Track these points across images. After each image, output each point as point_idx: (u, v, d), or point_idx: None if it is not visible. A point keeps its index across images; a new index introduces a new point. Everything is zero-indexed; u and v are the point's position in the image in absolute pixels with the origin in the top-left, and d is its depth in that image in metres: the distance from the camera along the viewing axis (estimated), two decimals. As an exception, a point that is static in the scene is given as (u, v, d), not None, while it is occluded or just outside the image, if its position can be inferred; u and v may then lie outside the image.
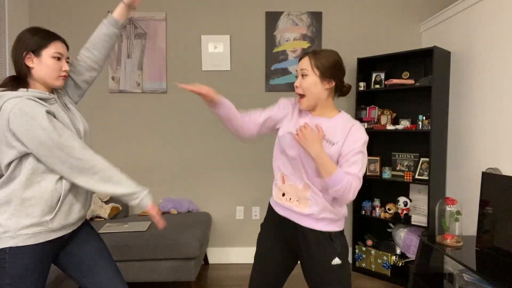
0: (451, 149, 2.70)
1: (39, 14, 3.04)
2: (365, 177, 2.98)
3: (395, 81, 2.76)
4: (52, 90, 1.35)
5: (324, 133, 1.32)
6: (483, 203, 2.04)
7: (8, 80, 1.25)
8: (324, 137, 1.32)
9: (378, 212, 2.90)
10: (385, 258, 2.81)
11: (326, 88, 1.35)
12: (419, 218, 2.66)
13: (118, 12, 1.47)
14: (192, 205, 3.07)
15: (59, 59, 1.29)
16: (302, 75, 1.35)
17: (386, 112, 2.96)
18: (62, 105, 1.34)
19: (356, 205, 3.02)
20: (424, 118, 2.68)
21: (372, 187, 3.17)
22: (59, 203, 1.26)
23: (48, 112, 1.21)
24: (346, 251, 1.38)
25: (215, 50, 3.09)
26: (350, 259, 3.03)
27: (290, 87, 3.11)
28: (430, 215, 2.56)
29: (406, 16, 3.12)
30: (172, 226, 2.54)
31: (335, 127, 1.34)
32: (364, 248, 2.94)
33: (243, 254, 3.16)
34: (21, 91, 1.20)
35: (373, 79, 2.98)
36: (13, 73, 1.30)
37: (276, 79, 3.12)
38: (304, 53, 1.39)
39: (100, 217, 2.81)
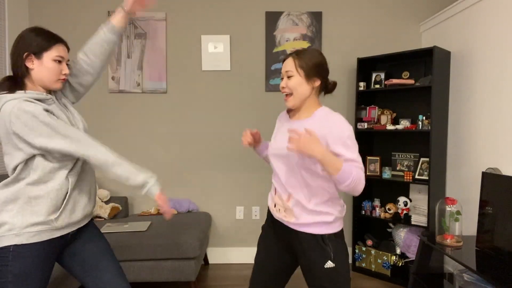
0: (451, 149, 2.70)
1: (39, 14, 3.04)
2: (365, 177, 2.98)
3: (395, 81, 2.76)
4: (50, 91, 1.34)
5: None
6: (483, 203, 2.04)
7: (4, 80, 1.25)
8: None
9: (378, 212, 2.90)
10: (385, 258, 2.81)
11: (312, 87, 1.37)
12: (419, 218, 2.66)
13: (118, 19, 1.45)
14: (192, 205, 3.07)
15: (60, 62, 1.29)
16: (288, 76, 1.36)
17: (386, 112, 2.96)
18: (60, 105, 1.34)
19: (356, 205, 3.02)
20: (424, 118, 2.68)
21: (372, 187, 3.17)
22: (65, 201, 1.26)
23: (46, 110, 1.21)
24: (342, 254, 1.36)
25: (215, 50, 3.09)
26: (350, 259, 3.03)
27: (290, 87, 3.10)
28: (430, 215, 2.56)
29: (406, 16, 3.12)
30: (172, 226, 2.54)
31: (314, 124, 1.35)
32: (364, 248, 2.94)
33: (243, 254, 3.16)
34: (19, 93, 1.20)
35: (373, 79, 2.98)
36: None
37: (276, 79, 3.11)
38: (288, 54, 1.40)
39: (100, 217, 2.81)
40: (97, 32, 1.45)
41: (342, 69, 3.14)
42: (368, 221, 3.15)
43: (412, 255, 2.73)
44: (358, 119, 2.98)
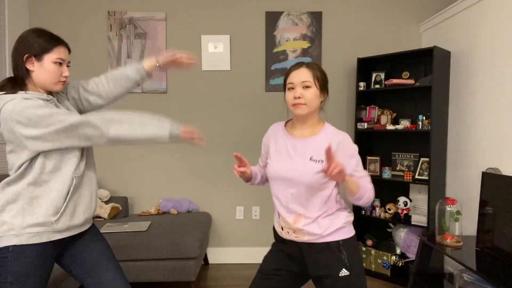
0: (451, 149, 2.70)
1: (39, 14, 3.04)
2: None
3: (395, 81, 2.76)
4: (51, 92, 1.34)
5: (310, 154, 1.32)
6: (483, 203, 2.04)
7: (6, 82, 1.25)
8: (312, 158, 1.30)
9: (378, 212, 2.90)
10: (385, 258, 2.81)
11: (321, 100, 1.35)
12: (419, 218, 2.66)
13: (149, 65, 1.46)
14: (192, 205, 3.07)
15: (60, 64, 1.28)
16: (304, 87, 1.30)
17: (386, 112, 2.96)
18: (62, 108, 1.34)
19: (356, 205, 3.01)
20: (424, 118, 2.68)
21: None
22: (65, 203, 1.26)
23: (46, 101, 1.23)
24: (357, 260, 1.33)
25: (215, 50, 3.09)
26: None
27: (290, 87, 3.11)
28: (430, 215, 2.56)
29: (406, 16, 3.12)
30: (172, 226, 2.54)
31: (321, 143, 1.32)
32: (364, 248, 2.94)
33: (243, 254, 3.16)
34: (19, 94, 1.21)
35: (373, 79, 2.98)
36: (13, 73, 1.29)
37: (276, 79, 3.11)
38: (298, 64, 1.34)
39: (100, 217, 2.81)
40: (126, 67, 1.46)
41: (342, 69, 3.14)
42: (368, 221, 3.15)
43: (412, 255, 2.73)
44: (358, 119, 2.98)
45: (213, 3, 3.10)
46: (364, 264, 2.93)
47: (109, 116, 1.25)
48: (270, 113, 3.14)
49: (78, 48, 3.07)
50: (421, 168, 2.79)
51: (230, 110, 3.13)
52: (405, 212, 2.82)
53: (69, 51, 1.34)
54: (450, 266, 2.66)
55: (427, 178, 2.69)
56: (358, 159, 1.34)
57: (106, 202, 2.90)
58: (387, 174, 2.91)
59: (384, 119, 2.94)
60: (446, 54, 2.68)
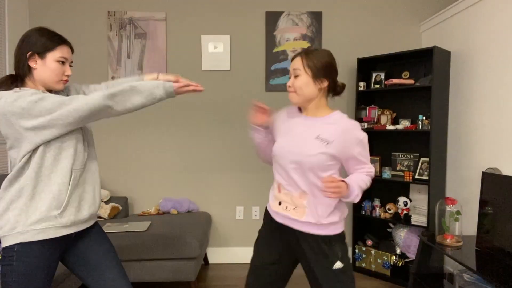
0: (451, 149, 2.70)
1: (39, 14, 3.04)
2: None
3: (395, 81, 2.76)
4: (50, 91, 1.34)
5: (318, 133, 1.34)
6: (483, 203, 2.05)
7: (5, 79, 1.25)
8: (318, 136, 1.32)
9: (378, 212, 2.90)
10: (385, 258, 2.81)
11: (319, 88, 1.35)
12: (419, 218, 2.66)
13: (149, 78, 1.49)
14: (192, 205, 3.07)
15: (63, 63, 1.29)
16: (295, 75, 1.35)
17: (386, 112, 2.96)
18: None
19: (356, 205, 3.02)
20: (424, 118, 2.68)
21: (372, 187, 3.16)
22: (67, 197, 1.27)
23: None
24: (346, 252, 1.38)
25: (215, 50, 3.09)
26: (350, 260, 3.03)
27: (290, 87, 3.11)
28: (430, 215, 2.56)
29: (406, 16, 3.12)
30: (172, 226, 2.54)
31: (329, 125, 1.34)
32: (364, 248, 2.94)
33: (243, 254, 3.16)
34: (15, 90, 1.21)
35: (373, 79, 2.98)
36: (13, 72, 1.29)
37: (276, 79, 3.12)
38: (297, 53, 1.39)
39: (100, 217, 2.81)
40: (128, 79, 1.49)
41: (342, 69, 3.14)
42: (368, 221, 3.15)
43: (412, 255, 2.73)
44: (358, 119, 2.98)
45: (213, 3, 3.10)
46: (364, 264, 2.93)
47: (109, 92, 1.24)
48: (270, 113, 3.13)
49: (78, 48, 3.07)
50: (421, 168, 2.79)
51: (230, 110, 3.13)
52: (405, 212, 2.82)
53: (72, 51, 1.34)
54: (450, 266, 2.66)
55: (427, 178, 2.69)
56: (363, 147, 1.34)
57: (106, 202, 2.90)
58: (387, 174, 2.91)
59: (384, 119, 2.94)
60: (446, 54, 2.68)
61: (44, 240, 1.23)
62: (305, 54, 1.35)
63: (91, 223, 1.42)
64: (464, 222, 2.51)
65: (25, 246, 1.20)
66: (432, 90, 2.54)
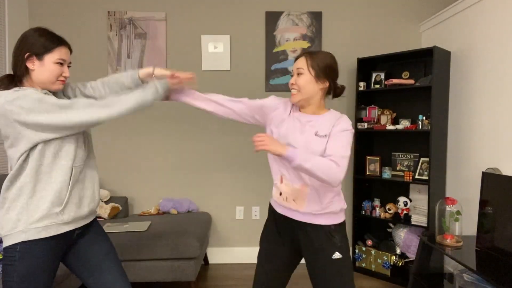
0: (451, 149, 2.70)
1: (39, 14, 3.04)
2: (365, 177, 2.98)
3: (395, 81, 2.76)
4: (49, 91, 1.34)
5: (315, 130, 1.39)
6: (483, 203, 2.04)
7: (3, 78, 1.25)
8: (316, 133, 1.38)
9: (378, 212, 2.90)
10: (385, 258, 2.81)
11: (320, 88, 1.41)
12: (419, 218, 2.66)
13: (144, 74, 1.49)
14: (192, 205, 3.07)
15: (61, 64, 1.29)
16: (298, 74, 1.41)
17: (386, 112, 2.96)
18: None
19: (356, 205, 3.02)
20: (424, 118, 2.68)
21: (372, 187, 3.17)
22: (68, 193, 1.27)
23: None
24: (346, 244, 1.42)
25: (215, 50, 3.09)
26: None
27: (290, 87, 3.11)
28: (430, 215, 2.56)
29: (406, 16, 3.12)
30: (172, 226, 2.54)
31: (325, 121, 1.41)
32: (364, 248, 2.94)
33: (243, 254, 3.16)
34: (13, 90, 1.21)
35: (373, 79, 2.98)
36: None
37: (276, 79, 3.11)
38: (301, 53, 1.46)
39: (100, 217, 2.81)
40: (122, 75, 1.49)
41: (342, 69, 3.12)
42: (368, 221, 3.15)
43: (412, 255, 2.73)
44: (358, 119, 2.98)
45: (213, 3, 3.10)
46: (364, 264, 2.93)
47: (103, 102, 1.26)
48: (270, 113, 3.13)
49: (78, 48, 3.06)
50: (421, 168, 2.79)
51: (230, 110, 3.13)
52: (405, 212, 2.82)
53: (71, 51, 1.34)
54: (450, 266, 2.66)
55: (427, 178, 2.69)
56: (344, 139, 1.34)
57: (106, 202, 2.90)
58: (387, 174, 2.91)
59: (384, 119, 2.94)
60: (446, 54, 2.67)
61: (46, 239, 1.23)
62: (309, 54, 1.42)
63: (91, 219, 1.43)
64: (464, 222, 2.51)
65: (27, 244, 1.20)
66: (432, 90, 2.54)
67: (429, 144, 2.59)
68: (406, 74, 2.91)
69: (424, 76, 2.83)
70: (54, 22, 3.05)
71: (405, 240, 2.76)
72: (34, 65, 1.24)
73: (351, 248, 3.05)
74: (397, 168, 2.95)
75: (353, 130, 1.38)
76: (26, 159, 1.23)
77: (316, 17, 3.09)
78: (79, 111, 1.21)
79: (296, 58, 1.45)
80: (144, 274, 2.32)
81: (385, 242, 2.94)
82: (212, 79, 3.12)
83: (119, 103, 1.27)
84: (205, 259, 3.14)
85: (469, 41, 2.51)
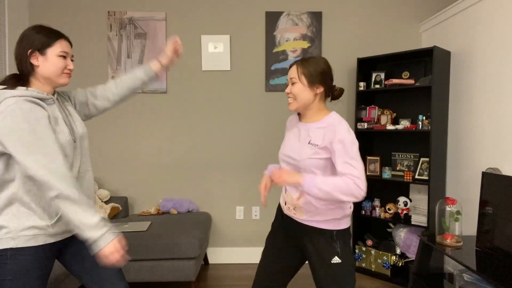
0: (451, 149, 2.70)
1: (39, 14, 3.04)
2: (365, 177, 2.97)
3: (395, 81, 2.76)
4: (54, 91, 1.34)
5: (310, 138, 1.42)
6: (483, 203, 2.04)
7: (9, 78, 1.25)
8: (310, 141, 1.41)
9: (378, 212, 2.90)
10: (385, 258, 2.81)
11: (315, 93, 1.43)
12: (419, 218, 2.66)
13: (156, 67, 1.54)
14: (192, 205, 3.07)
15: (64, 57, 1.29)
16: (292, 83, 1.45)
17: (386, 112, 2.96)
18: (60, 107, 1.34)
19: (356, 205, 3.02)
20: (424, 118, 2.68)
21: (372, 187, 3.16)
22: (58, 215, 1.26)
23: (48, 116, 1.21)
24: (348, 250, 1.44)
25: (215, 50, 3.09)
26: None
27: (290, 87, 3.11)
28: (430, 215, 2.56)
29: (406, 16, 3.12)
30: (172, 226, 2.54)
31: (320, 129, 1.42)
32: (364, 248, 2.94)
33: (243, 254, 3.16)
34: (20, 90, 1.19)
35: (373, 79, 2.98)
36: (13, 72, 1.29)
37: (276, 79, 3.11)
38: (293, 62, 1.48)
39: (100, 217, 2.80)
40: (135, 69, 1.54)
41: (342, 69, 3.14)
42: (368, 221, 3.15)
43: (412, 255, 2.73)
44: (358, 119, 2.98)
45: (213, 3, 3.10)
46: (364, 264, 2.93)
47: (73, 187, 1.18)
48: (270, 113, 3.14)
49: (78, 48, 3.07)
50: (421, 168, 2.79)
51: (230, 110, 3.13)
52: (405, 212, 2.82)
53: (71, 45, 1.35)
54: (450, 266, 2.66)
55: (427, 178, 2.69)
56: (343, 147, 1.31)
57: (106, 202, 2.90)
58: (387, 174, 2.91)
59: (384, 119, 2.94)
60: (446, 54, 2.67)
61: (35, 246, 1.22)
62: (300, 62, 1.44)
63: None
64: (464, 222, 2.51)
65: (17, 249, 1.20)
66: (432, 90, 2.54)
67: (429, 144, 2.59)
68: (406, 74, 2.91)
69: (424, 76, 2.83)
70: (54, 22, 3.05)
71: (405, 240, 2.76)
72: (38, 60, 1.25)
73: (351, 248, 3.05)
74: (397, 168, 2.95)
75: (352, 131, 1.36)
76: (6, 169, 1.20)
77: (316, 17, 3.09)
78: (53, 173, 1.15)
79: (289, 67, 1.48)
80: (144, 274, 2.32)
81: (385, 242, 2.94)
82: (212, 79, 3.12)
83: (72, 197, 1.16)
84: (205, 259, 3.14)
85: (469, 41, 2.51)
